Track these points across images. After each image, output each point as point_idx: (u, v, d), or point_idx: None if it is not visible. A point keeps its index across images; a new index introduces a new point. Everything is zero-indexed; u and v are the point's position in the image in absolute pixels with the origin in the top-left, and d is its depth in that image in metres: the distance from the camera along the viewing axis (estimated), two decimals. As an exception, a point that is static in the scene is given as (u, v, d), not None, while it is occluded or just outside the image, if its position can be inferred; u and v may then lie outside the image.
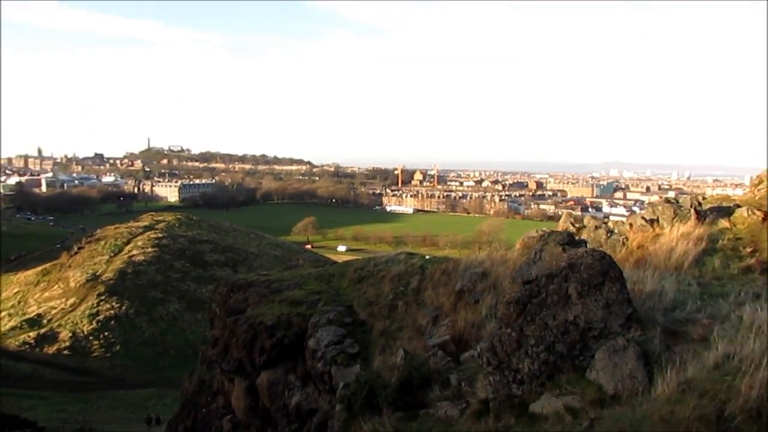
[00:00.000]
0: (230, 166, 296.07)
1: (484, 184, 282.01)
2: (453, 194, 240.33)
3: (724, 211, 15.76)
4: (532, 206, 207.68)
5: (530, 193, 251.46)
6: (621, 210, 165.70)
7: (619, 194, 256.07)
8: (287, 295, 17.10)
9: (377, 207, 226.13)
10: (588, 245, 13.68)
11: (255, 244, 77.92)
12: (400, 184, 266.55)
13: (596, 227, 14.39)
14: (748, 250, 12.81)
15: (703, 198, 23.63)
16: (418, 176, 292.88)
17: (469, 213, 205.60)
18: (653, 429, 4.98)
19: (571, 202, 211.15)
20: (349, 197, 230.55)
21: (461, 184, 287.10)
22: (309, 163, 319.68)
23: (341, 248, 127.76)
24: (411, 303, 15.56)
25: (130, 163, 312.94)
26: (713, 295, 9.05)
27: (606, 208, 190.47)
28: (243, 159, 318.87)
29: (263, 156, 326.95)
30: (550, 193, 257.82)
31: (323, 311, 15.53)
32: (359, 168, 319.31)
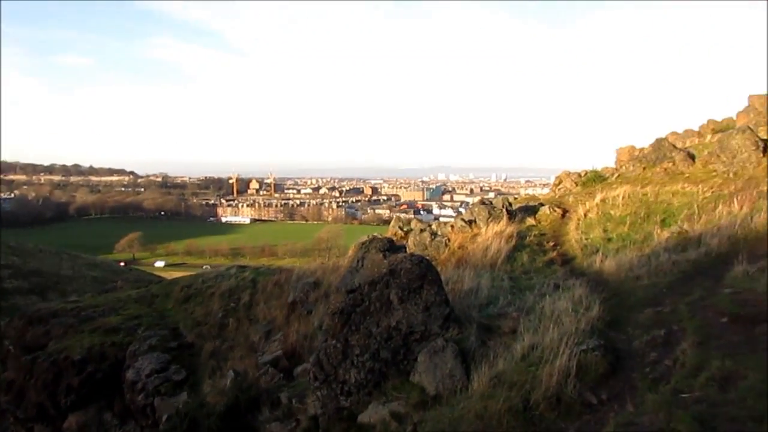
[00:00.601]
0: (34, 177, 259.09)
1: (322, 191, 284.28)
2: (291, 202, 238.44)
3: (531, 209, 17.51)
4: (369, 211, 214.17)
5: (366, 199, 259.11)
6: (449, 212, 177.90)
7: (447, 197, 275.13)
8: (101, 322, 15.23)
9: (212, 218, 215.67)
10: (414, 248, 14.23)
11: (69, 265, 68.70)
12: (235, 194, 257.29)
13: (421, 230, 15.01)
14: (551, 244, 14.32)
15: (515, 198, 26.18)
16: (254, 185, 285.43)
17: (307, 220, 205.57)
18: (469, 426, 5.11)
19: (404, 206, 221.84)
20: (180, 209, 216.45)
21: (299, 191, 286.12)
22: (132, 173, 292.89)
23: (159, 263, 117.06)
24: (243, 319, 14.81)
25: None
26: (522, 288, 9.86)
27: (436, 210, 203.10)
28: (50, 170, 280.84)
29: (76, 166, 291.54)
30: (385, 197, 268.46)
31: (144, 337, 14.09)
32: (190, 178, 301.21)
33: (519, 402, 5.08)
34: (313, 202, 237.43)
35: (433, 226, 15.65)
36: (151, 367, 12.72)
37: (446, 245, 14.27)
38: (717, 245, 10.49)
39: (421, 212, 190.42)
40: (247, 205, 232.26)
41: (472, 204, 17.06)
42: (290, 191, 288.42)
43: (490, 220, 14.81)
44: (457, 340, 6.90)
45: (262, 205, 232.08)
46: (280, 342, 12.09)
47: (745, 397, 4.02)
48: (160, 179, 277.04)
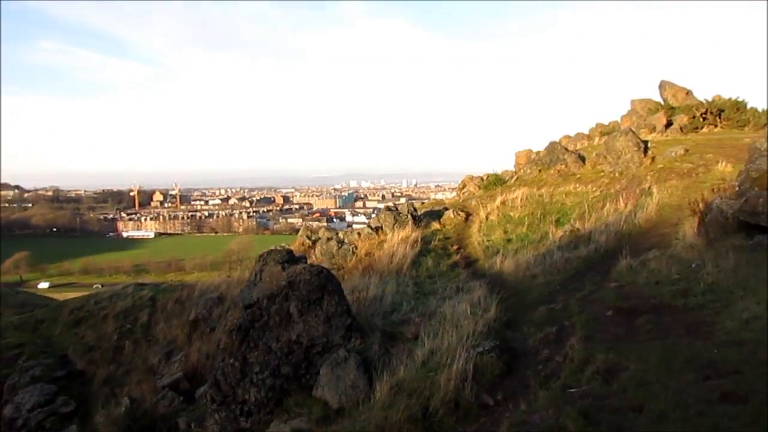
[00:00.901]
0: None
1: (231, 201, 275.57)
2: (198, 214, 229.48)
3: (436, 214, 17.85)
4: (281, 221, 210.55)
5: (278, 208, 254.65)
6: (362, 218, 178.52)
7: (359, 203, 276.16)
8: (-27, 355, 13.73)
9: (111, 233, 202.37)
10: (321, 257, 14.02)
11: (-59, 292, 62.18)
12: (137, 207, 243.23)
13: (328, 239, 14.83)
14: (455, 247, 14.64)
15: (422, 203, 26.68)
16: (158, 197, 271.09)
17: (217, 232, 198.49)
18: (371, 438, 5.00)
19: (317, 214, 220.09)
20: (75, 225, 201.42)
21: (207, 203, 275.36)
22: (18, 187, 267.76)
23: (43, 285, 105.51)
24: (140, 341, 13.91)
25: None
26: (426, 293, 9.95)
27: (349, 218, 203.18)
28: None
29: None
30: (297, 206, 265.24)
31: (25, 368, 12.85)
32: (86, 191, 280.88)
33: (418, 409, 5.03)
34: (223, 213, 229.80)
35: (340, 234, 15.52)
36: (34, 400, 11.60)
37: (353, 253, 14.19)
38: (605, 241, 11.18)
39: (334, 220, 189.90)
40: (151, 219, 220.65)
41: (380, 211, 17.13)
42: (197, 203, 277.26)
43: (396, 226, 14.91)
44: (360, 350, 6.78)
45: (167, 218, 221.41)
46: (180, 363, 11.44)
47: (626, 388, 4.19)
48: (50, 193, 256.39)
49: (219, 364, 6.84)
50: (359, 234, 15.18)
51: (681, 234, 9.97)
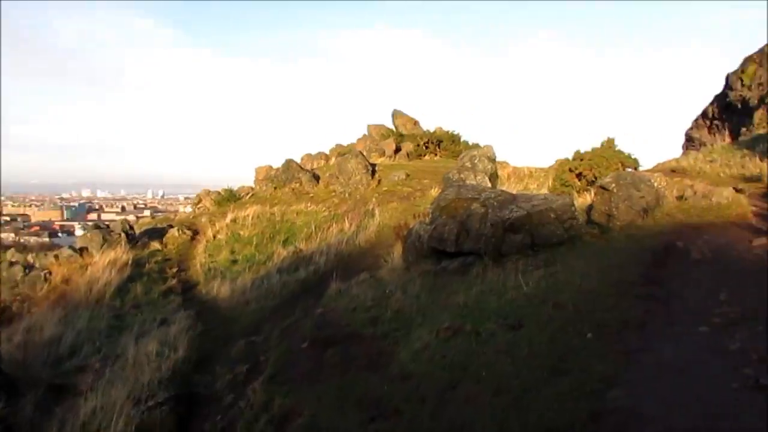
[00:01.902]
0: None
1: None
2: None
3: (159, 232, 16.19)
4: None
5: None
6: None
7: (93, 216, 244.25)
8: None
9: None
10: (2, 286, 11.40)
11: None
12: None
13: (12, 263, 12.14)
14: (174, 270, 13.32)
15: (152, 217, 24.33)
16: None
17: None
18: None
19: (36, 228, 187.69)
20: None
21: None
22: None
23: None
24: None
25: None
26: (124, 327, 8.62)
27: (79, 232, 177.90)
28: None
29: None
30: (9, 218, 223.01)
31: None
32: None
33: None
34: None
35: (30, 257, 12.89)
36: None
37: (46, 280, 11.85)
38: (325, 263, 11.27)
39: (60, 234, 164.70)
40: None
41: (89, 229, 14.84)
42: None
43: (105, 246, 12.98)
44: (5, 415, 5.34)
45: None
46: None
47: (294, 439, 3.87)
48: None
49: None
50: (57, 257, 12.80)
51: (391, 256, 10.53)
